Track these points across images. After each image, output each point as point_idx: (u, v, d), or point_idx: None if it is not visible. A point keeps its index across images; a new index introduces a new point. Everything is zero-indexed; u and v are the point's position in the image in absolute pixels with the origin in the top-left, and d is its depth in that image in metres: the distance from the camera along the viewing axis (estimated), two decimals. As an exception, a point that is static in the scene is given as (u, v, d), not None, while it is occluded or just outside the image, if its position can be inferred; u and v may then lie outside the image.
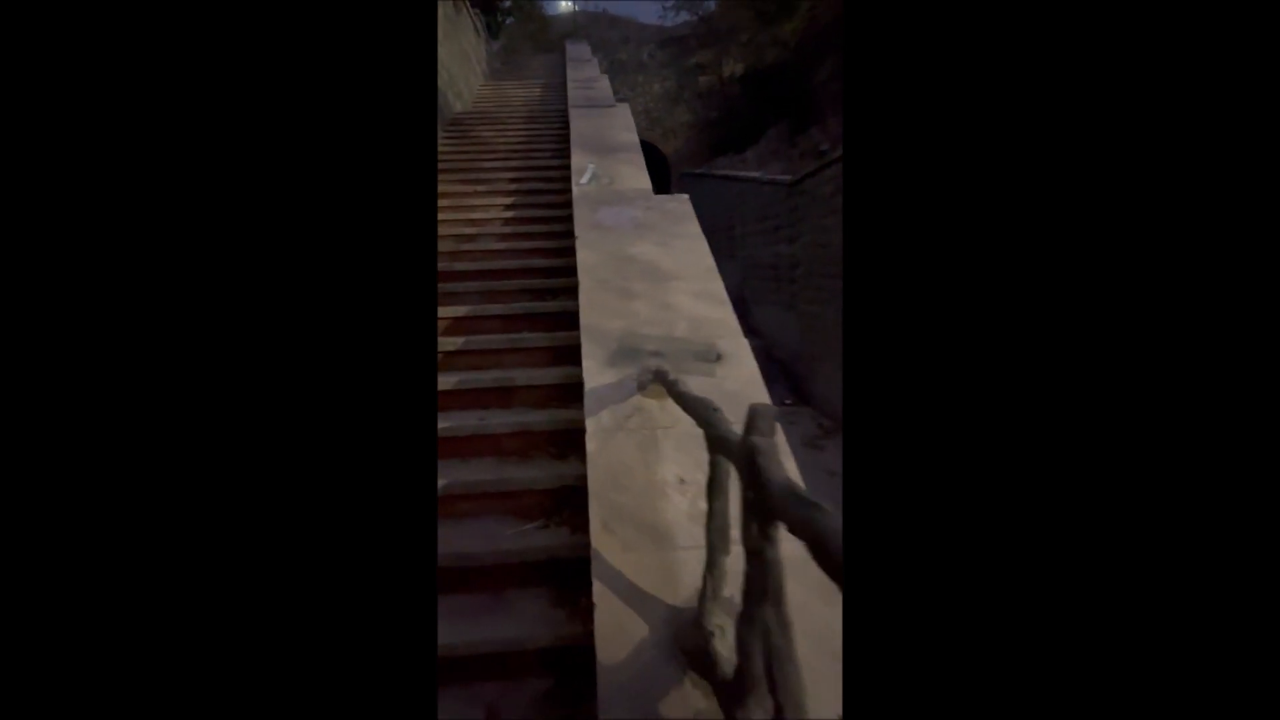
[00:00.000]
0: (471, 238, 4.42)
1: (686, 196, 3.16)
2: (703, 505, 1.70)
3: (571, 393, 2.60)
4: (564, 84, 8.41)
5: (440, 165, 5.33)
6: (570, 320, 3.07)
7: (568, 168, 5.35)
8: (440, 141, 6.22)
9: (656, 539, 1.61)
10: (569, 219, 4.59)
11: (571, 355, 2.81)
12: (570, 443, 2.38)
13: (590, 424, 1.97)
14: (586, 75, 7.96)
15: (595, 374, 2.15)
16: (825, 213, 8.15)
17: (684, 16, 13.81)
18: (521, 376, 2.64)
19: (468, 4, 8.96)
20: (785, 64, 11.71)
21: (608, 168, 4.47)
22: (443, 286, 3.77)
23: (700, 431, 1.88)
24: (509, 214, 4.68)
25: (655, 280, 2.55)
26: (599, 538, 1.62)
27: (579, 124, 5.08)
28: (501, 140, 6.37)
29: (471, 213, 4.64)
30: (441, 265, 3.93)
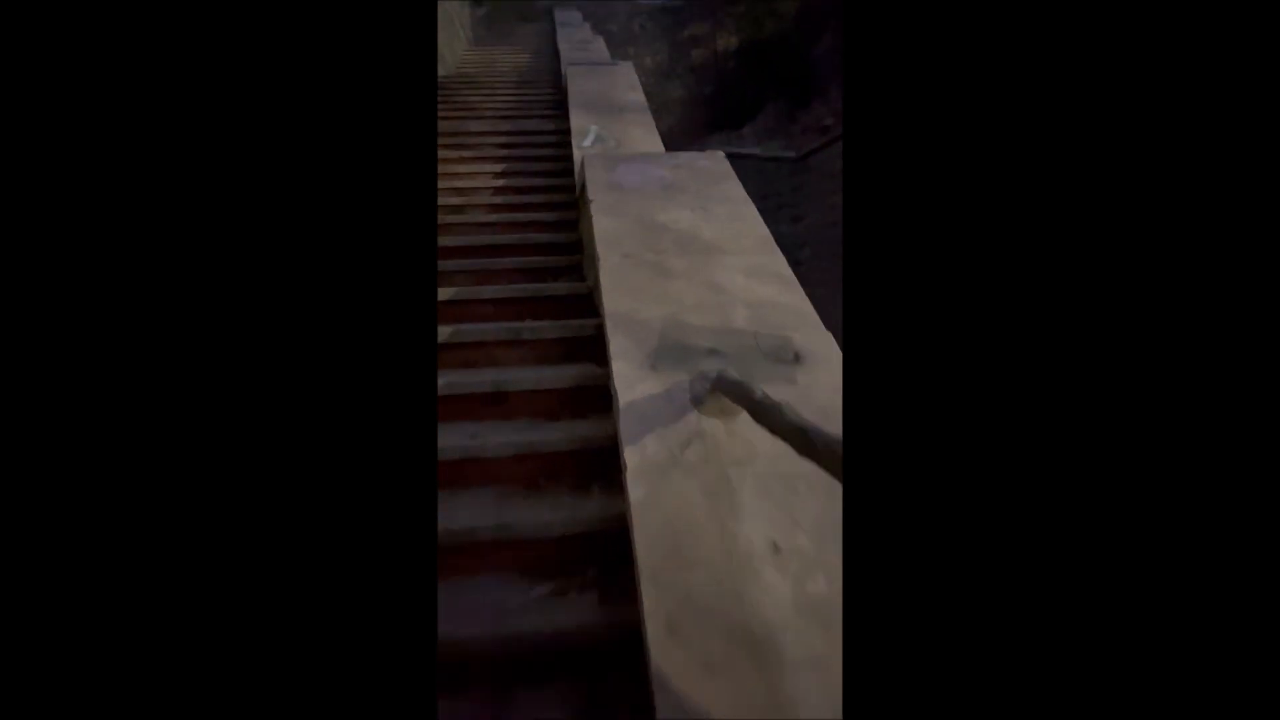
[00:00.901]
0: (458, 209, 3.75)
1: (721, 154, 2.53)
2: (816, 588, 1.10)
3: (589, 399, 1.99)
4: (555, 51, 7.67)
5: (421, 129, 4.63)
6: (582, 305, 2.45)
7: (565, 132, 4.68)
8: (421, 105, 5.51)
9: (754, 652, 1.01)
10: (570, 188, 3.94)
11: (587, 349, 2.19)
12: (592, 468, 1.77)
13: (631, 456, 1.35)
14: (580, 38, 7.24)
15: (631, 380, 1.53)
16: (833, 189, 7.55)
17: (676, -12, 13.03)
18: (524, 378, 2.02)
19: (450, -37, 8.14)
20: (784, 37, 11.02)
21: (613, 130, 3.82)
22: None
23: (791, 470, 1.29)
24: (500, 182, 4.02)
25: (697, 254, 1.94)
26: (662, 647, 1.02)
27: (578, 83, 4.41)
28: (489, 105, 5.66)
29: (456, 180, 3.97)
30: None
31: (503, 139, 4.53)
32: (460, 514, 1.61)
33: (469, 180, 4.00)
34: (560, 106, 5.72)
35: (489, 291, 2.50)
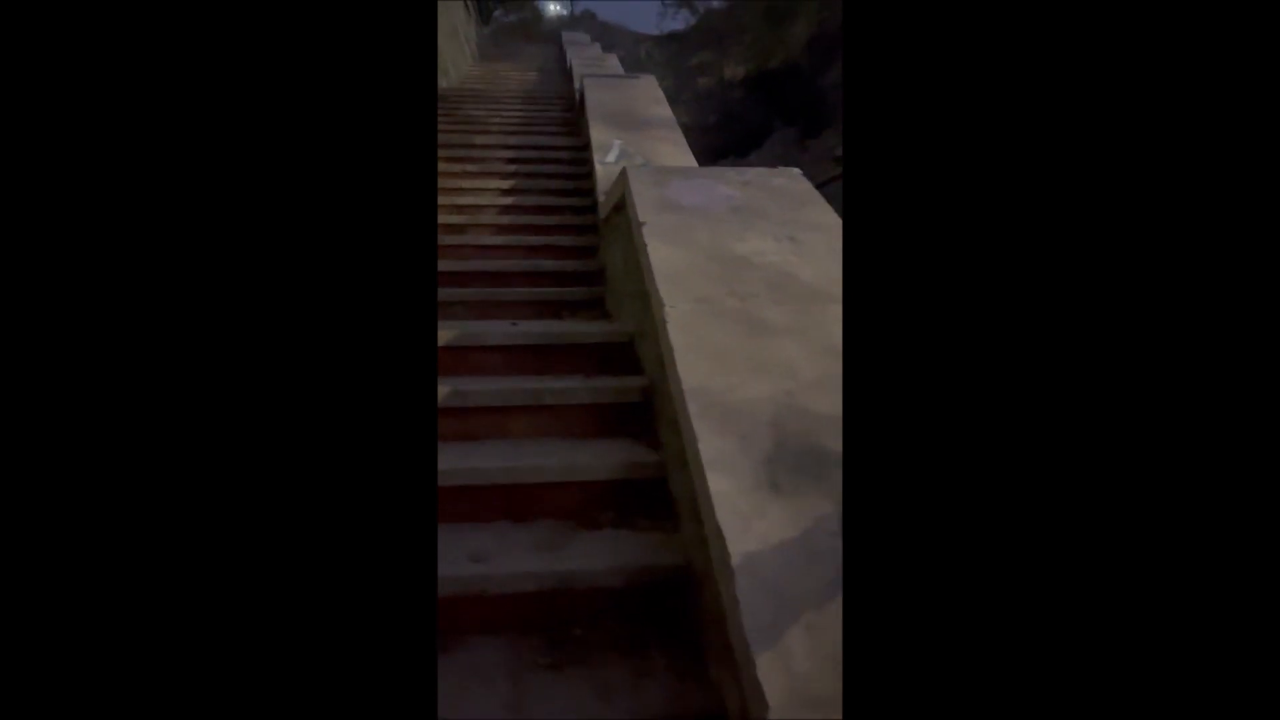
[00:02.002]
0: (458, 229, 3.16)
1: (798, 171, 1.97)
2: None
3: (639, 498, 1.39)
4: (564, 70, 7.18)
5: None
6: (619, 356, 1.85)
7: (579, 149, 4.12)
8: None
9: None
10: (587, 209, 3.37)
11: (629, 421, 1.60)
12: (652, 615, 1.17)
13: (770, 679, 0.75)
14: (591, 55, 6.75)
15: (741, 511, 0.93)
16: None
17: (682, 17, 12.69)
18: (548, 466, 1.41)
19: (458, -23, 7.67)
20: (792, 66, 10.64)
21: (640, 145, 3.26)
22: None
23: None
24: (507, 200, 3.44)
25: (799, 301, 1.35)
26: None
27: (597, 94, 3.86)
28: (496, 119, 5.11)
29: (459, 197, 3.38)
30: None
31: (510, 153, 3.96)
32: (455, 703, 1.00)
33: (472, 197, 3.42)
34: (572, 125, 5.19)
35: (496, 335, 1.89)
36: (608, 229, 2.69)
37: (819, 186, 7.10)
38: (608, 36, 12.70)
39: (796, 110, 10.20)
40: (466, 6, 8.08)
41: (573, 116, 5.30)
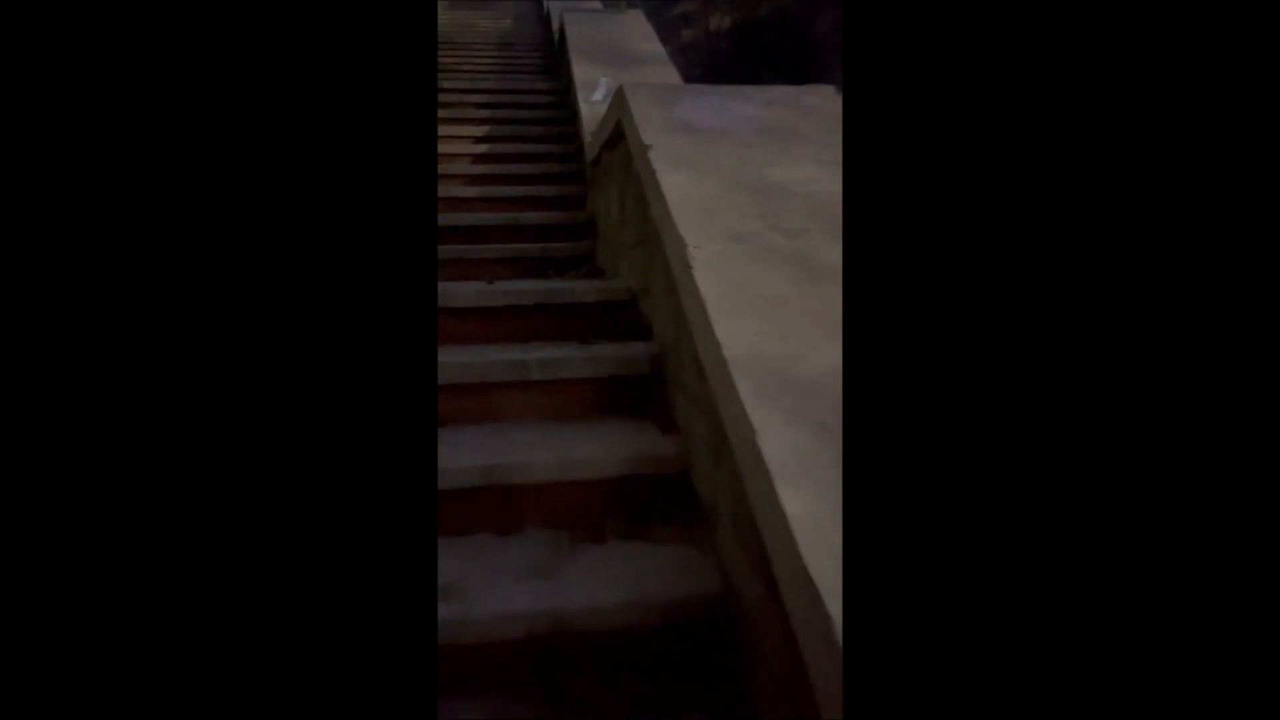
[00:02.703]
0: (427, 180, 2.78)
1: (833, 89, 1.61)
2: None
3: (654, 498, 1.08)
4: (540, 16, 6.65)
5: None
6: (619, 319, 1.51)
7: (560, 92, 3.70)
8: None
9: None
10: (572, 157, 2.99)
11: (637, 394, 1.27)
12: (690, 667, 0.86)
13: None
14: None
15: (830, 542, 0.62)
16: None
17: (664, -35, 11.99)
18: (542, 460, 1.08)
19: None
20: (781, 15, 10.11)
21: (626, 80, 2.86)
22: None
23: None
24: (481, 148, 3.04)
25: (862, 239, 1.02)
26: None
27: (578, 28, 3.43)
28: (468, 64, 4.65)
29: (427, 144, 2.99)
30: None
31: (484, 97, 3.54)
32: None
33: (444, 145, 3.02)
34: (551, 70, 4.74)
35: (468, 295, 1.54)
36: (599, 173, 2.32)
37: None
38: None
39: (787, 62, 9.71)
40: (434, -51, 7.45)
41: (552, 62, 4.84)
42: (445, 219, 2.37)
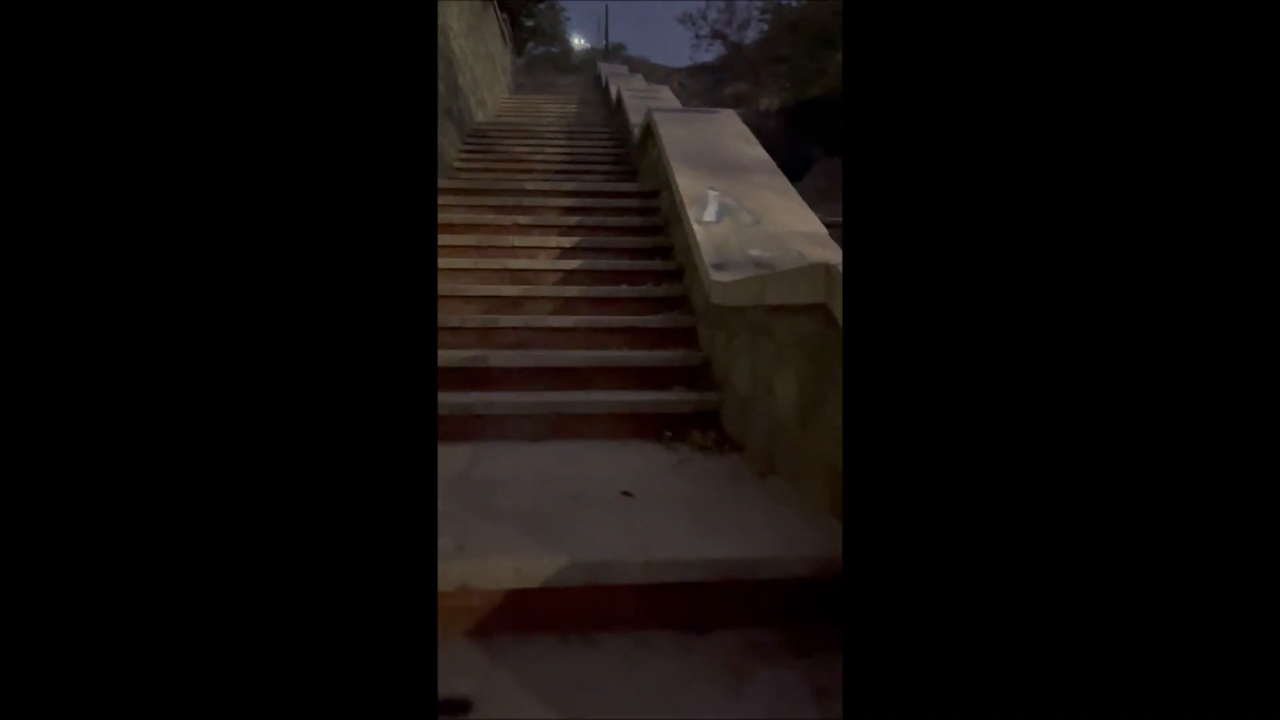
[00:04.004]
0: (513, 303, 2.44)
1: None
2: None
3: None
4: (605, 99, 6.53)
5: (458, 185, 3.35)
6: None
7: (644, 195, 3.41)
8: (461, 156, 4.26)
9: None
10: (672, 275, 2.63)
11: None
12: None
13: None
14: (637, 85, 6.08)
15: None
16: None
17: (715, 49, 12.08)
18: None
19: (495, 4, 7.07)
20: (833, 96, 9.98)
21: (740, 196, 2.52)
22: (460, 401, 1.76)
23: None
24: (573, 263, 2.71)
25: None
26: None
27: (672, 130, 3.13)
28: (539, 157, 4.43)
29: (513, 259, 2.66)
30: (465, 350, 1.95)
31: (567, 203, 3.24)
32: None
33: (528, 259, 2.70)
34: (624, 163, 4.49)
35: (633, 569, 1.13)
36: (723, 317, 1.94)
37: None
38: (637, 70, 12.19)
39: (836, 139, 9.51)
40: (503, 35, 7.47)
41: (626, 153, 4.60)
42: (538, 358, 2.00)
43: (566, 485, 1.37)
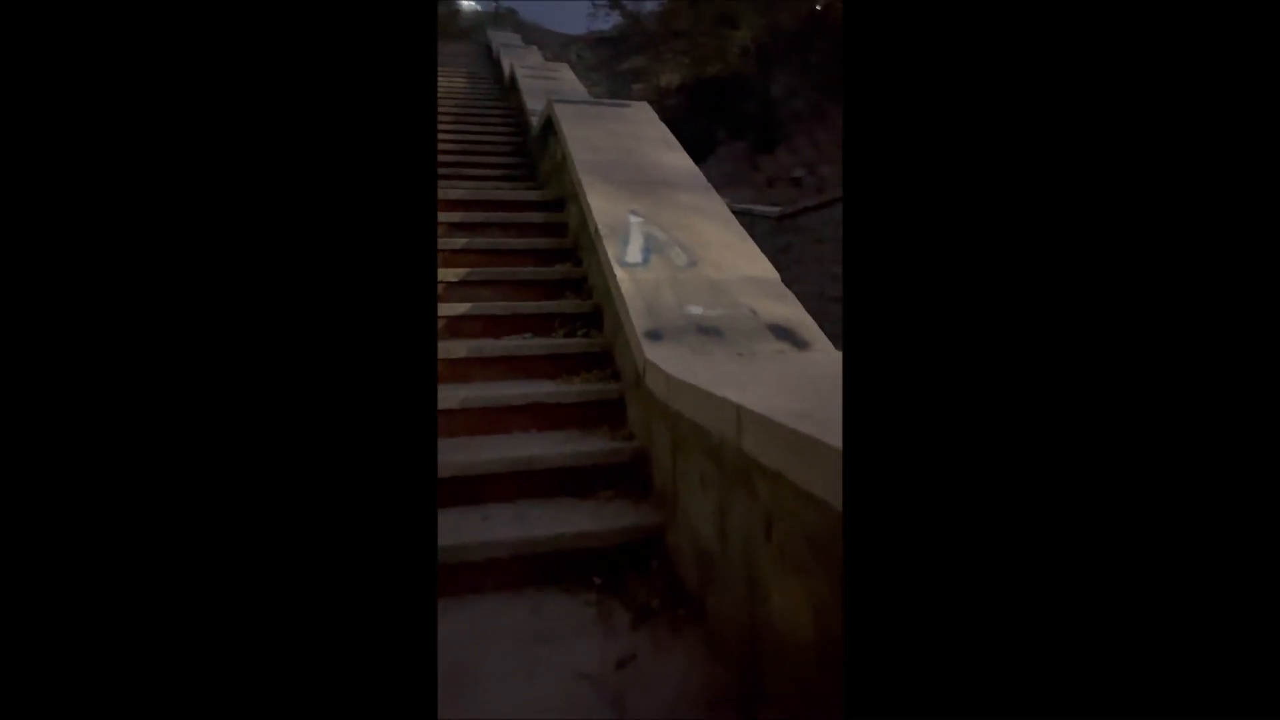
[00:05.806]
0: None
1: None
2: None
3: None
4: (498, 75, 5.72)
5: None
6: None
7: (544, 206, 2.79)
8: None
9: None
10: (588, 319, 2.08)
11: None
12: None
13: None
14: (534, 62, 5.34)
15: None
16: (833, 258, 6.07)
17: (613, 19, 11.28)
18: None
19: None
20: (737, 76, 9.55)
21: (667, 222, 1.99)
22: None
23: None
24: (459, 308, 2.09)
25: None
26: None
27: (580, 130, 2.54)
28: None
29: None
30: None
31: (456, 215, 2.58)
32: None
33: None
34: (522, 154, 3.83)
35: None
36: (666, 413, 1.41)
37: (788, 217, 5.82)
38: (531, 37, 11.14)
39: (744, 123, 9.13)
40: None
41: (523, 142, 3.94)
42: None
43: None
